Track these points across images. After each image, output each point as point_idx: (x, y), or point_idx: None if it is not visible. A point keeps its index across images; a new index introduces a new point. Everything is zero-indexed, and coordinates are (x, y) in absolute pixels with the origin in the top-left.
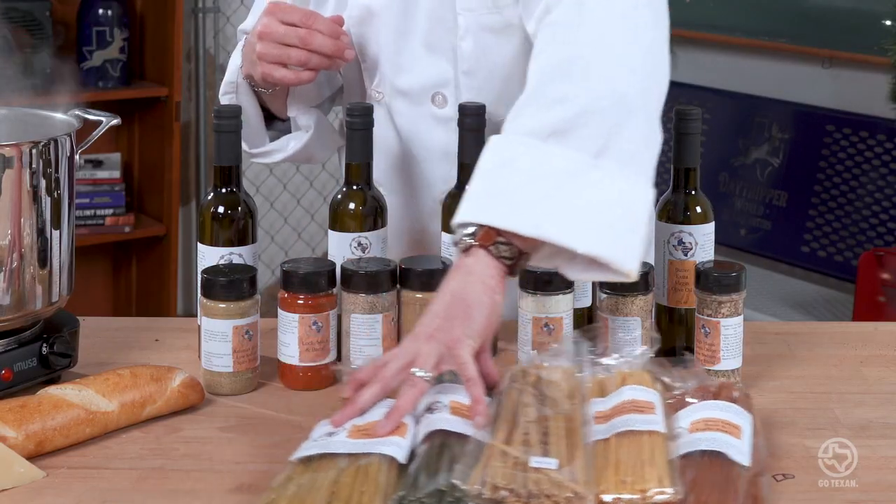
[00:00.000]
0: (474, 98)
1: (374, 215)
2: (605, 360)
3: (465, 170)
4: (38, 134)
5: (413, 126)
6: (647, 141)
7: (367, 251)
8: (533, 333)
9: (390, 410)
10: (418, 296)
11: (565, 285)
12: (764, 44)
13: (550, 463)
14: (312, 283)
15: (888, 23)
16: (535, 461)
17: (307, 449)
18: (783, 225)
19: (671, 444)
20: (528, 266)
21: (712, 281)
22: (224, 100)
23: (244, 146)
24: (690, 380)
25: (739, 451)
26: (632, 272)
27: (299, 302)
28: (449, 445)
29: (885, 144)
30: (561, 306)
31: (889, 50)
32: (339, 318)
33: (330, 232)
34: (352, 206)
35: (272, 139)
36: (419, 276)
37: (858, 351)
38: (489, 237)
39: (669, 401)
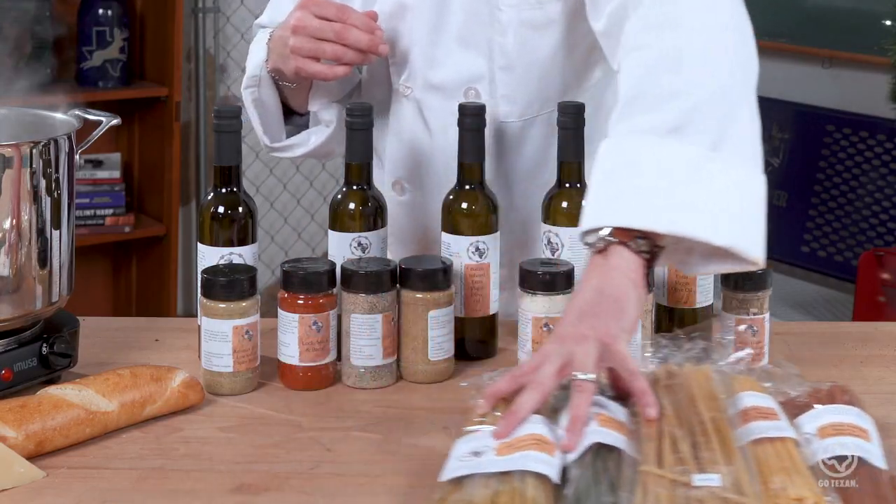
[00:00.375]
0: (511, 93)
1: (374, 215)
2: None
3: (466, 170)
4: (38, 134)
5: (445, 121)
6: (754, 129)
7: (367, 251)
8: (533, 333)
9: (570, 422)
10: (418, 296)
11: (565, 285)
12: (764, 44)
13: (713, 479)
14: (312, 283)
15: (888, 23)
16: (698, 479)
17: (456, 469)
18: (783, 225)
19: (804, 450)
20: (528, 267)
21: (758, 279)
22: (246, 94)
23: (265, 140)
24: (790, 384)
25: (876, 454)
26: (759, 259)
27: (299, 302)
28: (604, 461)
29: (886, 144)
30: (561, 306)
31: (889, 50)
32: (339, 318)
33: (330, 232)
34: (352, 206)
35: (288, 134)
36: (419, 276)
37: (858, 351)
38: (628, 233)
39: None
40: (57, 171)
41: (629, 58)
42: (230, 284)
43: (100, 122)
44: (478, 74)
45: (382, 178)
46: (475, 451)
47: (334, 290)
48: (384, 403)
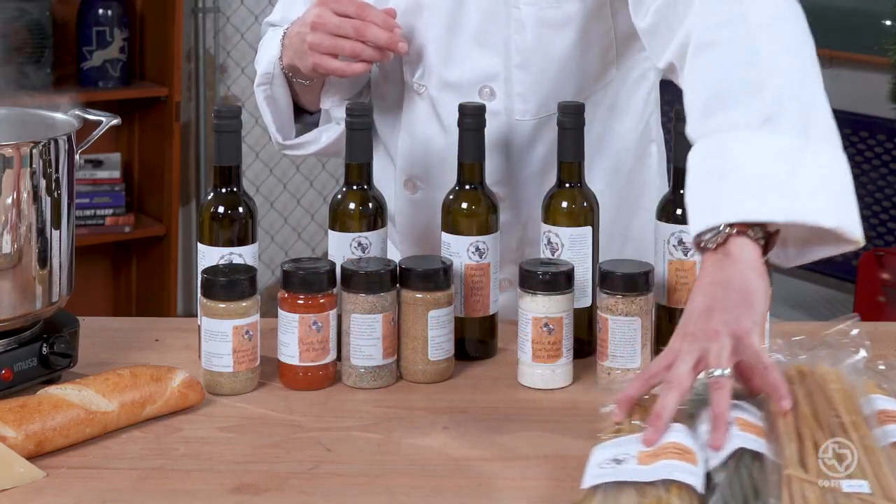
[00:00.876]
0: (527, 91)
1: (374, 215)
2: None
3: (466, 170)
4: (38, 134)
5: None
6: (830, 112)
7: (367, 251)
8: (533, 333)
9: (714, 420)
10: (418, 296)
11: (566, 285)
12: None
13: (862, 485)
14: (312, 283)
15: (888, 23)
16: (847, 486)
17: (598, 476)
18: None
19: None
20: (529, 267)
21: None
22: (259, 91)
23: (278, 138)
24: None
25: None
26: (861, 238)
27: (299, 302)
28: (748, 467)
29: (886, 144)
30: (561, 306)
31: (889, 50)
32: (339, 318)
33: (330, 232)
34: (352, 206)
35: (298, 132)
36: (419, 276)
37: None
38: (744, 226)
39: None
40: (57, 171)
41: (701, 56)
42: (230, 284)
43: (100, 122)
44: (493, 73)
45: (393, 176)
46: (616, 459)
47: (334, 290)
48: (384, 403)
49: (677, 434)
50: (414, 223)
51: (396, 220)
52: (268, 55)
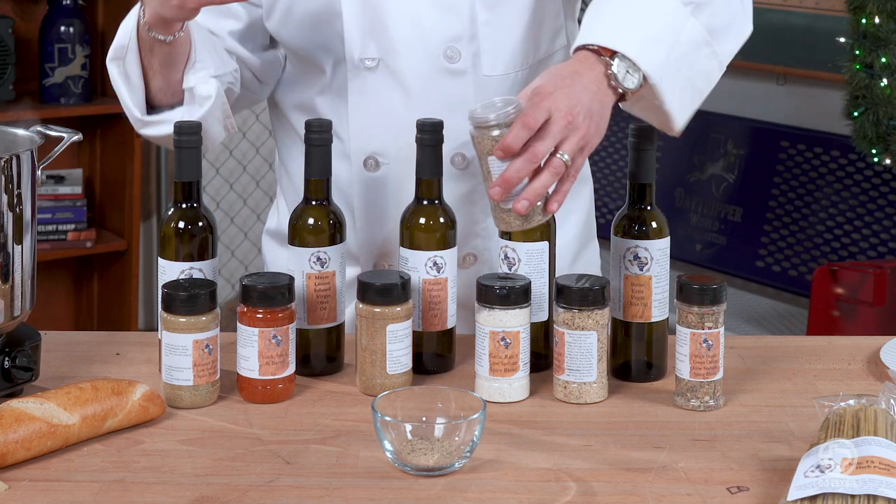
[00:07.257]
0: (493, 47)
1: (333, 230)
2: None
3: (424, 186)
4: (0, 150)
5: (426, 83)
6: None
7: (325, 266)
8: (490, 347)
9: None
10: (376, 310)
11: (522, 299)
12: None
13: None
14: (271, 297)
15: (842, 40)
16: None
17: (804, 487)
18: (738, 240)
19: None
20: (486, 282)
21: (713, 293)
22: (112, 66)
23: (136, 113)
24: None
25: None
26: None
27: (258, 316)
28: None
29: (840, 160)
30: (517, 320)
31: (843, 67)
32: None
33: (289, 247)
34: (311, 221)
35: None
36: (377, 290)
37: (812, 365)
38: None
39: None
40: (19, 186)
41: None
42: (190, 299)
43: (62, 139)
44: (458, 34)
45: (341, 162)
46: (817, 467)
47: (293, 305)
48: (342, 417)
49: (885, 450)
50: (376, 202)
51: (356, 205)
52: (124, 27)
